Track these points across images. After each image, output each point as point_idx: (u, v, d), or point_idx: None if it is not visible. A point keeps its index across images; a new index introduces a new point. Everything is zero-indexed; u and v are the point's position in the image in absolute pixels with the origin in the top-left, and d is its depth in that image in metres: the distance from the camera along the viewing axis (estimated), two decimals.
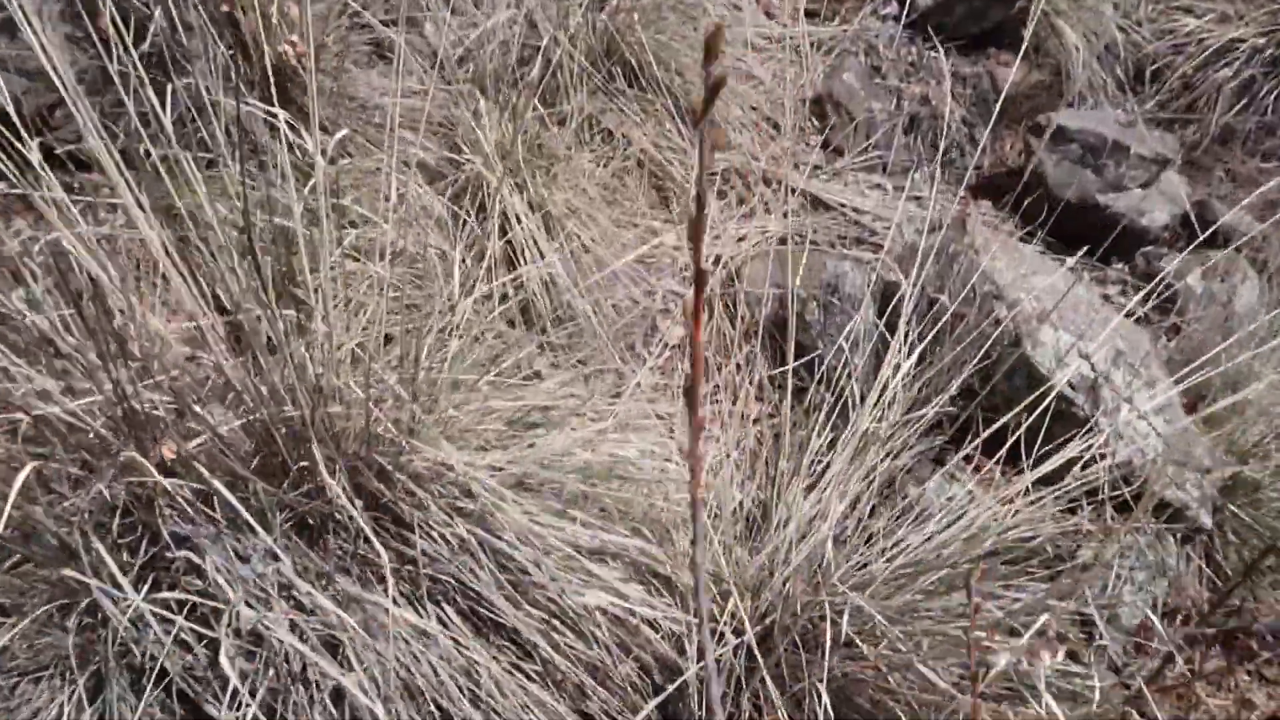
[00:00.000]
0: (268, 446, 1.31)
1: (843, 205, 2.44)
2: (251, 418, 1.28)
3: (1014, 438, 1.70)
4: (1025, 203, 2.56)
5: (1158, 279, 2.22)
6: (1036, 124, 2.52)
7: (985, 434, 1.66)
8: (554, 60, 2.36)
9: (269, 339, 1.44)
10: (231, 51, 2.03)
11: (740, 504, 1.82)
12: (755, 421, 2.08)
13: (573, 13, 2.39)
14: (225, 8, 1.98)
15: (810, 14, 2.90)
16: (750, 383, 2.12)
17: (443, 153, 2.18)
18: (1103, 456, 1.60)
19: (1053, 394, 1.69)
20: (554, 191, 2.12)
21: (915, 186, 2.59)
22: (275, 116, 1.98)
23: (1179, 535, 1.77)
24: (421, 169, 2.11)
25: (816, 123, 2.62)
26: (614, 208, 2.36)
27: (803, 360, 2.04)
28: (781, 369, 2.11)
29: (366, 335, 1.65)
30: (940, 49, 2.82)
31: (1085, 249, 2.46)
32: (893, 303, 1.85)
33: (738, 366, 2.14)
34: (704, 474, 1.76)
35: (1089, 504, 1.68)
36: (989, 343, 1.73)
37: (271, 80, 2.03)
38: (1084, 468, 1.57)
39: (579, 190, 2.23)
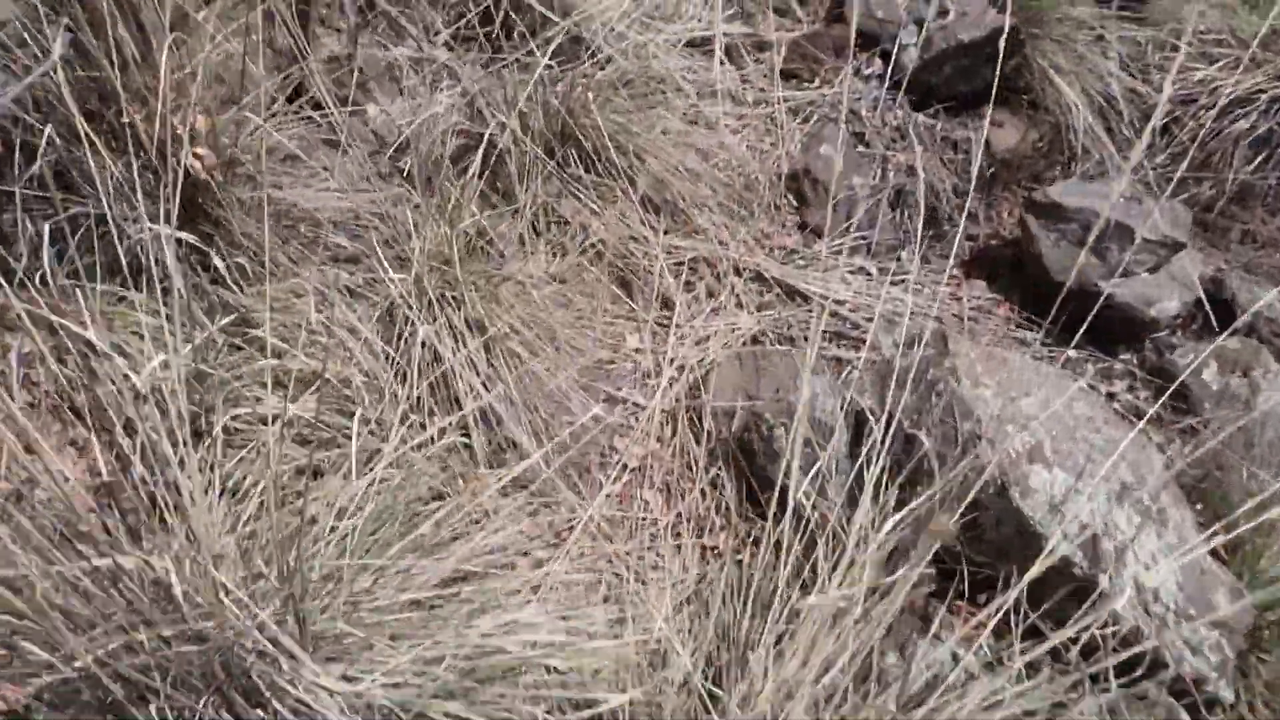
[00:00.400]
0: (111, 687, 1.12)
1: (821, 295, 2.24)
2: (94, 657, 1.09)
3: (1004, 599, 1.49)
4: (1021, 285, 2.35)
5: (1173, 381, 2.01)
6: (1032, 199, 2.30)
7: (986, 604, 1.45)
8: (500, 146, 2.17)
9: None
10: (142, 161, 1.85)
11: (695, 665, 1.63)
12: (718, 555, 1.87)
13: (519, 92, 2.19)
14: (126, 119, 1.80)
15: (788, 75, 2.69)
16: (716, 512, 1.91)
17: (374, 264, 1.99)
18: (1105, 637, 1.39)
19: (1046, 549, 1.48)
20: (496, 306, 1.92)
21: (902, 268, 2.38)
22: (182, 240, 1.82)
23: (1197, 706, 1.55)
24: (350, 283, 1.92)
25: (793, 200, 2.41)
26: (569, 309, 2.16)
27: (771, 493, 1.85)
28: (749, 500, 1.92)
29: (261, 517, 1.47)
30: (928, 112, 2.61)
31: (1089, 337, 2.25)
32: (867, 438, 1.64)
33: (702, 493, 1.94)
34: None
35: (1091, 678, 1.47)
36: (974, 491, 1.52)
37: (178, 196, 1.86)
38: (1086, 654, 1.36)
39: (526, 300, 2.04)
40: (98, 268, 1.85)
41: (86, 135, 1.78)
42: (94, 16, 1.72)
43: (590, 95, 2.21)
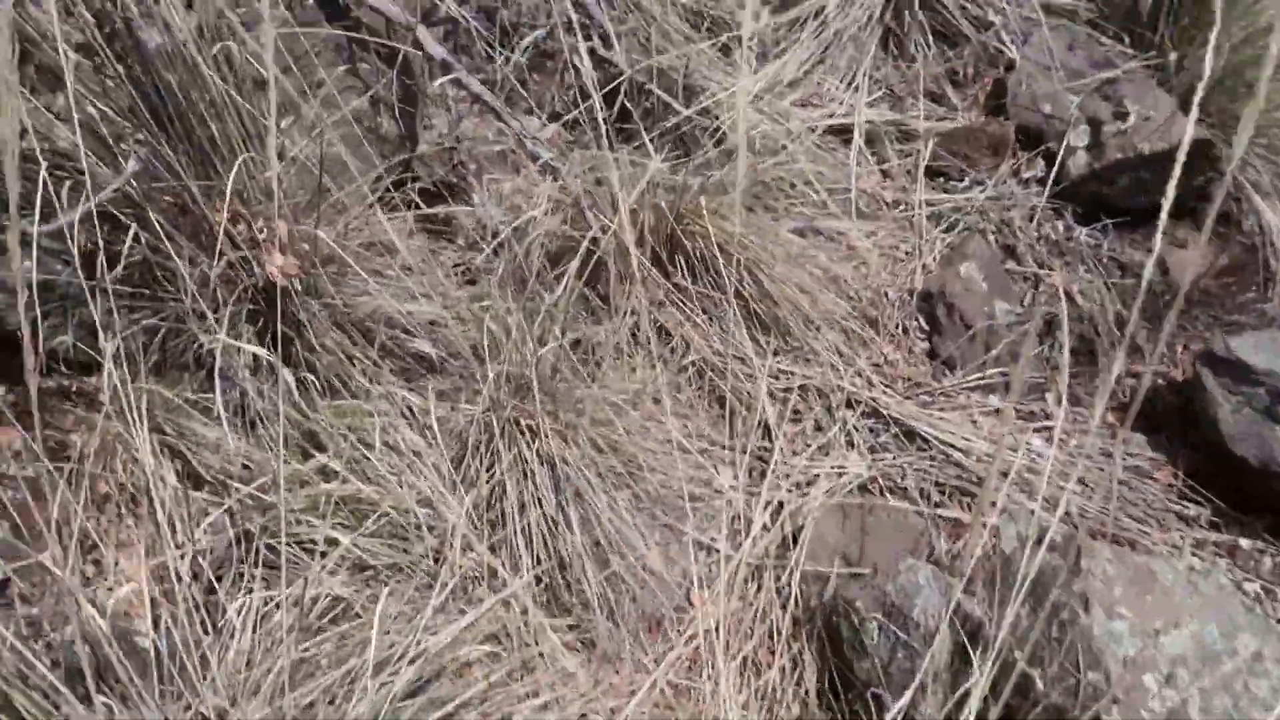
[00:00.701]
0: None
1: (945, 442, 1.98)
2: None
3: None
4: (1189, 447, 2.02)
5: None
6: (1210, 351, 1.96)
7: None
8: (602, 248, 2.01)
9: None
10: (221, 265, 1.79)
11: None
12: None
13: (628, 192, 2.04)
14: (207, 224, 1.75)
15: (935, 173, 2.43)
16: (794, 698, 1.70)
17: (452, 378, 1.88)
18: None
19: None
20: (576, 434, 1.77)
21: (1045, 411, 2.09)
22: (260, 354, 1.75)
23: None
24: (420, 405, 1.81)
25: (923, 324, 2.16)
26: (660, 432, 1.99)
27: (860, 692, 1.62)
28: (831, 691, 1.69)
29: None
30: (1094, 226, 2.30)
31: (1270, 524, 1.90)
32: (975, 652, 1.40)
33: (782, 670, 1.73)
34: None
35: None
36: None
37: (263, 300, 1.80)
38: None
39: (613, 423, 1.87)
40: (170, 367, 1.81)
41: (168, 237, 1.75)
42: (180, 122, 1.67)
43: (703, 200, 2.03)
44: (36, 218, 1.45)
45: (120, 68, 1.66)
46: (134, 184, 1.62)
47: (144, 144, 1.58)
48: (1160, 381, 2.19)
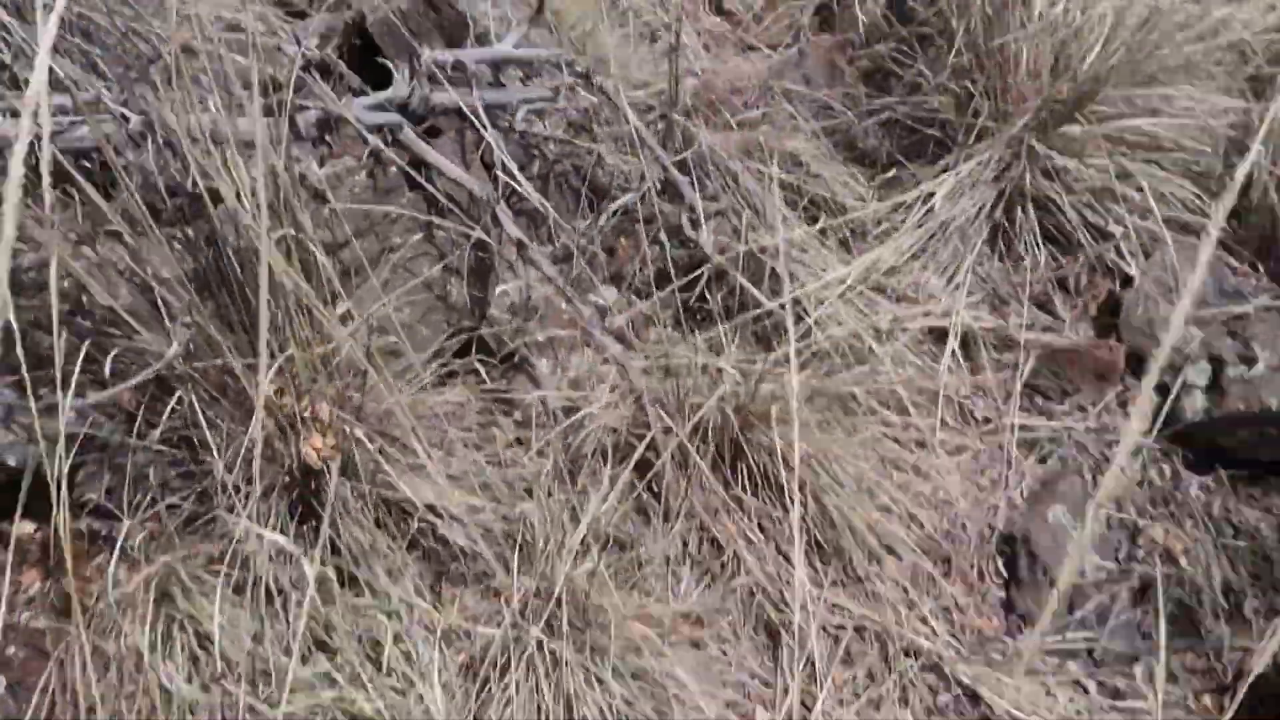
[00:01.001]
0: None
1: (1011, 715, 1.76)
2: None
3: None
4: None
5: None
6: None
7: None
8: (664, 454, 1.89)
9: None
10: (265, 435, 1.73)
11: None
12: None
13: (698, 394, 1.93)
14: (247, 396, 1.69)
15: (1032, 391, 2.25)
16: None
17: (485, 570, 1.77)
18: None
19: None
20: (594, 683, 1.63)
21: (1134, 689, 1.86)
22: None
23: None
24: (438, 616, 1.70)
25: (1001, 570, 1.96)
26: (699, 656, 1.83)
27: None
28: None
29: None
30: (1209, 476, 2.08)
31: None
32: None
33: None
34: None
35: None
36: None
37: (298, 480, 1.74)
38: None
39: (649, 645, 1.73)
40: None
41: (209, 404, 1.71)
42: (236, 289, 1.64)
43: (774, 408, 1.90)
44: (67, 376, 1.41)
45: (184, 231, 1.64)
46: (179, 360, 1.58)
47: (191, 325, 1.53)
48: (1271, 668, 1.93)
